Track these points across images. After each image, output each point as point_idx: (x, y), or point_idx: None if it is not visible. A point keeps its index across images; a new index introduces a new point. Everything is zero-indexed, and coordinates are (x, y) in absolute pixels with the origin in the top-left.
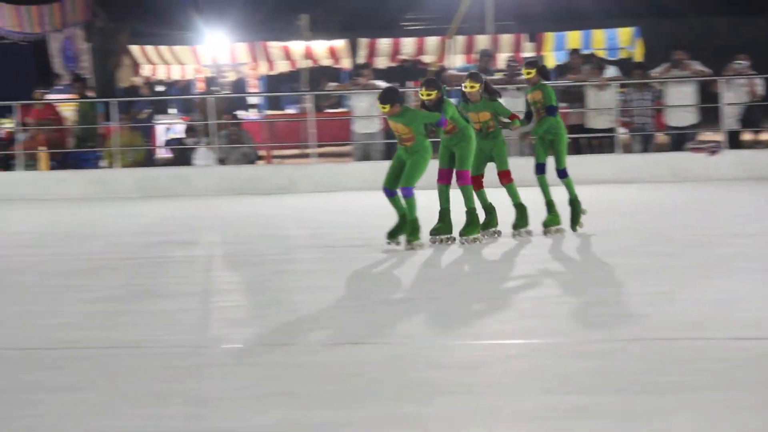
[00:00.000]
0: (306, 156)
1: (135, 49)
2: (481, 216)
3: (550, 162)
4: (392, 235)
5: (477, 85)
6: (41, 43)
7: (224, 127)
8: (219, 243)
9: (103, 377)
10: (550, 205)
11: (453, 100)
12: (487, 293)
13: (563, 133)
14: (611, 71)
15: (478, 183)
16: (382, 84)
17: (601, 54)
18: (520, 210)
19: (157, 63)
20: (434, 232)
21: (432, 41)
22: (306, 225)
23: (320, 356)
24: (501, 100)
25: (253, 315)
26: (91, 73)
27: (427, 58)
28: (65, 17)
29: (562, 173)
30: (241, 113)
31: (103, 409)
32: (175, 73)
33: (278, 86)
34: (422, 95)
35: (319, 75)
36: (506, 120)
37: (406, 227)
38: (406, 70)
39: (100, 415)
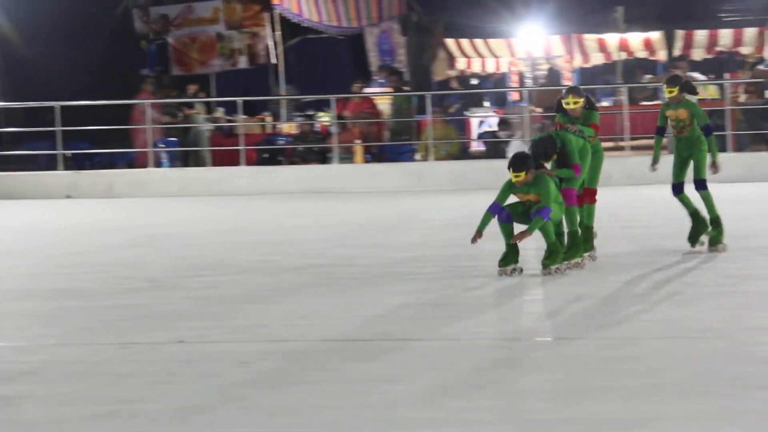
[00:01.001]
0: (620, 149)
1: (450, 42)
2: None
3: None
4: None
5: (580, 101)
6: (358, 37)
7: (537, 120)
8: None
9: (418, 369)
10: (715, 221)
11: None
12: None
13: (703, 145)
14: None
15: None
16: (699, 77)
17: None
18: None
19: (472, 56)
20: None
21: (750, 32)
22: (620, 218)
23: (627, 350)
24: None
25: (563, 308)
26: (407, 67)
27: (744, 50)
28: (381, 11)
29: (701, 184)
30: None
31: (418, 401)
32: (490, 66)
33: (593, 78)
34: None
35: (635, 67)
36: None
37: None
38: (723, 62)
39: (414, 407)
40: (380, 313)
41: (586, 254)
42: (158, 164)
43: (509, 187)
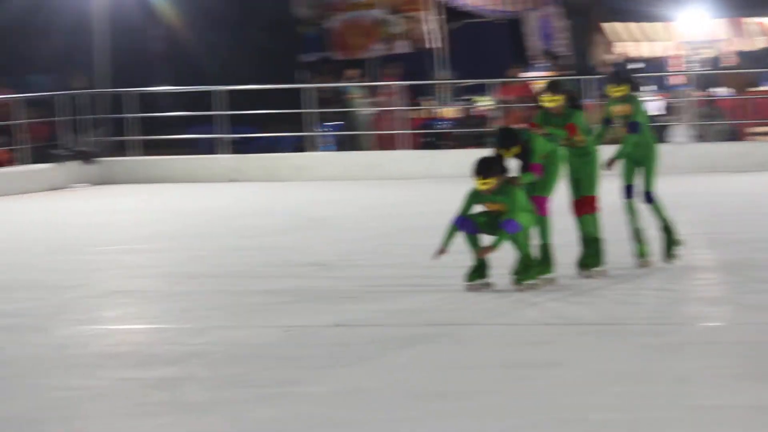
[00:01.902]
0: None
1: (608, 26)
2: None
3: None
4: None
5: (559, 98)
6: (517, 21)
7: (702, 104)
8: (699, 221)
9: (585, 355)
10: (638, 233)
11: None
12: None
13: (654, 153)
14: None
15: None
16: None
17: None
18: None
19: (630, 40)
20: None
21: None
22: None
23: None
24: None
25: (729, 294)
26: (568, 51)
27: None
28: None
29: (648, 197)
30: (716, 90)
31: (583, 386)
32: (649, 51)
33: (755, 63)
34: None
35: None
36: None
37: None
38: None
39: (578, 392)
40: (557, 297)
41: (599, 267)
42: (320, 148)
43: (474, 197)
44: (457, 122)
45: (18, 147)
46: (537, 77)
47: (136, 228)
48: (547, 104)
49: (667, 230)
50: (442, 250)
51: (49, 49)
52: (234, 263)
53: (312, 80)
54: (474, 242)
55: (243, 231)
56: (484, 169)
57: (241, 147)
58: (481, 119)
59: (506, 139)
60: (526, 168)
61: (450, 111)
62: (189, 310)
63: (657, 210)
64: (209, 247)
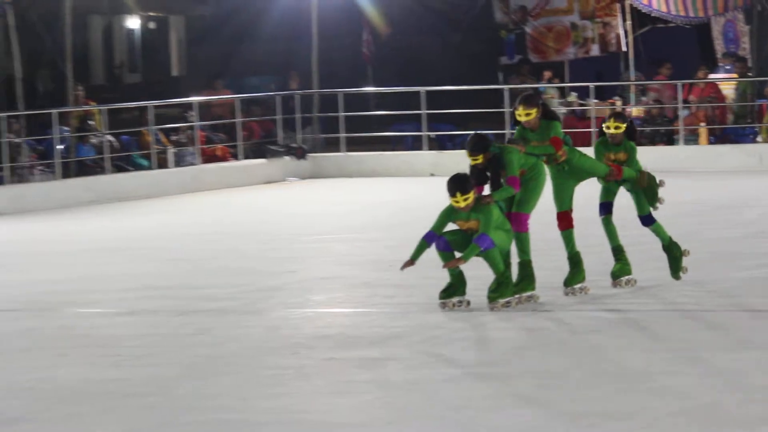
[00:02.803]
0: None
1: None
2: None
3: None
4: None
5: (533, 111)
6: (704, 26)
7: None
8: None
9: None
10: (617, 251)
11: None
12: None
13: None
14: None
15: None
16: None
17: None
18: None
19: None
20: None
21: None
22: None
23: None
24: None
25: None
26: (750, 54)
27: None
28: (727, 2)
29: (646, 220)
30: None
31: None
32: None
33: None
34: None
35: None
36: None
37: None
38: None
39: None
40: (726, 287)
41: (577, 285)
42: None
43: (447, 215)
44: (644, 120)
45: (238, 143)
46: (721, 78)
47: (343, 219)
48: (522, 119)
49: (670, 248)
50: (410, 263)
51: (266, 53)
52: (434, 252)
53: (509, 81)
54: (447, 259)
55: None
56: (460, 186)
57: (441, 144)
58: (669, 118)
59: (476, 145)
60: (496, 182)
61: (638, 110)
62: (391, 296)
63: (658, 231)
64: (410, 236)
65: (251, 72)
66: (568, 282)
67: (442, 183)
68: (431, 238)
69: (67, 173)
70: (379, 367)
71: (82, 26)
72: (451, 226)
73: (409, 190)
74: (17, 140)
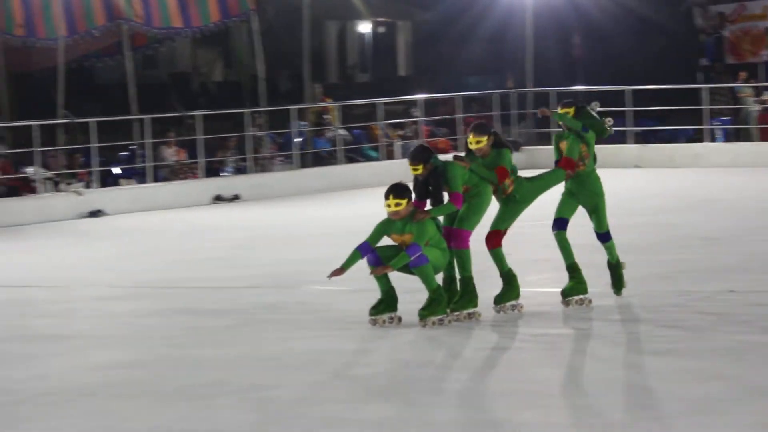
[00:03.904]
0: None
1: None
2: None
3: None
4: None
5: (483, 140)
6: None
7: None
8: None
9: None
10: (572, 269)
11: None
12: None
13: (601, 191)
14: None
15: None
16: None
17: None
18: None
19: None
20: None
21: None
22: None
23: None
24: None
25: None
26: None
27: None
28: None
29: (603, 237)
30: None
31: None
32: None
33: None
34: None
35: None
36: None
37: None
38: None
39: None
40: None
41: (508, 303)
42: (713, 139)
43: (383, 227)
44: None
45: (458, 137)
46: None
47: (552, 206)
48: (473, 146)
49: (617, 267)
50: (339, 271)
51: (484, 54)
52: (631, 237)
53: (708, 81)
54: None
55: (642, 210)
56: (395, 191)
57: (645, 138)
58: None
59: (417, 154)
60: (437, 197)
61: None
62: (596, 277)
63: (610, 249)
64: (612, 224)
65: (471, 72)
66: (499, 300)
67: (644, 173)
68: (365, 249)
69: (304, 163)
70: (581, 341)
71: (318, 31)
72: (387, 241)
73: (615, 179)
74: (260, 134)
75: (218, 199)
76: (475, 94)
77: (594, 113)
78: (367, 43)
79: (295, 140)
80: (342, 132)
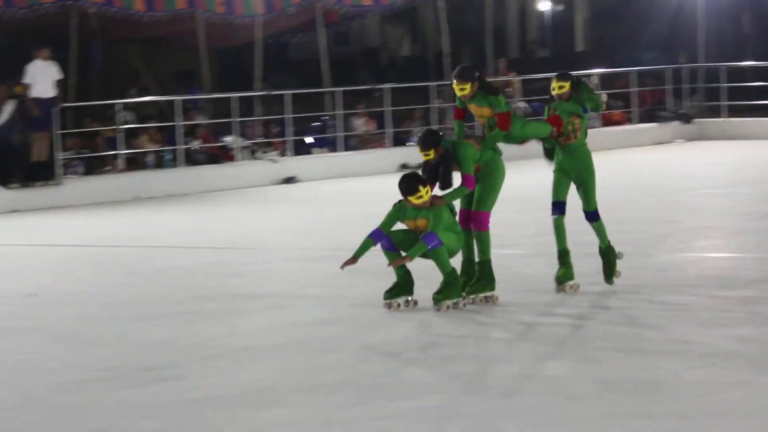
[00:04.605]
0: None
1: None
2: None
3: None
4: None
5: (467, 86)
6: None
7: None
8: None
9: None
10: (563, 254)
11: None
12: None
13: (592, 167)
14: None
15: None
16: None
17: None
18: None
19: None
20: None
21: None
22: None
23: None
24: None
25: None
26: None
27: None
28: None
29: (592, 216)
30: None
31: None
32: None
33: None
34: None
35: None
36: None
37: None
38: None
39: None
40: None
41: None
42: None
43: (396, 213)
44: None
45: (632, 109)
46: None
47: (723, 176)
48: (458, 93)
49: (607, 252)
50: (352, 261)
51: (657, 31)
52: None
53: None
54: (392, 258)
55: None
56: (420, 181)
57: None
58: None
59: (427, 139)
60: (447, 179)
61: None
62: (762, 243)
63: (599, 230)
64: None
65: (645, 48)
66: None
67: None
68: (377, 236)
69: None
70: (753, 304)
71: (500, 8)
72: (399, 226)
73: None
74: (444, 105)
75: (404, 167)
76: (648, 69)
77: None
78: (546, 19)
79: None
80: (522, 104)
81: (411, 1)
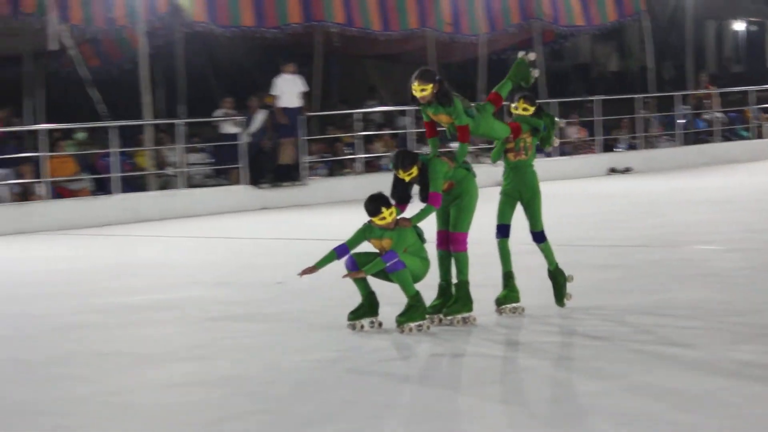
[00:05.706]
0: None
1: None
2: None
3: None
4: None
5: (428, 87)
6: None
7: None
8: None
9: None
10: (507, 277)
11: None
12: None
13: (538, 188)
14: None
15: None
16: None
17: None
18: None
19: None
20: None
21: None
22: None
23: None
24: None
25: None
26: None
27: None
28: None
29: (539, 237)
30: None
31: None
32: None
33: None
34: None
35: None
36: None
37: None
38: None
39: None
40: None
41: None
42: None
43: (363, 232)
44: None
45: None
46: None
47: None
48: (417, 94)
49: (555, 275)
50: (312, 269)
51: None
52: None
53: None
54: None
55: None
56: (383, 203)
57: None
58: None
59: (405, 158)
60: (427, 194)
61: None
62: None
63: (546, 252)
64: None
65: None
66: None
67: None
68: (342, 251)
69: (686, 141)
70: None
71: (699, 27)
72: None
73: None
74: (649, 115)
75: (612, 171)
76: None
77: (526, 64)
78: (740, 38)
79: (678, 121)
80: (719, 115)
81: (619, 22)
